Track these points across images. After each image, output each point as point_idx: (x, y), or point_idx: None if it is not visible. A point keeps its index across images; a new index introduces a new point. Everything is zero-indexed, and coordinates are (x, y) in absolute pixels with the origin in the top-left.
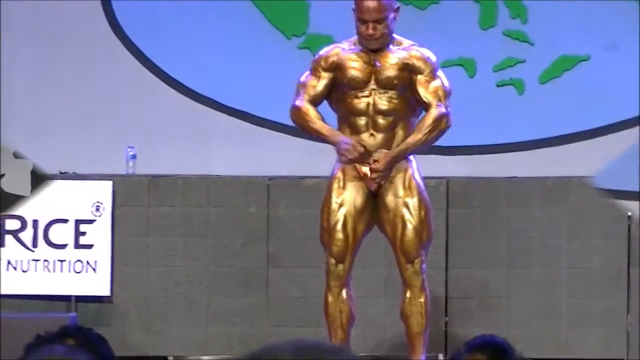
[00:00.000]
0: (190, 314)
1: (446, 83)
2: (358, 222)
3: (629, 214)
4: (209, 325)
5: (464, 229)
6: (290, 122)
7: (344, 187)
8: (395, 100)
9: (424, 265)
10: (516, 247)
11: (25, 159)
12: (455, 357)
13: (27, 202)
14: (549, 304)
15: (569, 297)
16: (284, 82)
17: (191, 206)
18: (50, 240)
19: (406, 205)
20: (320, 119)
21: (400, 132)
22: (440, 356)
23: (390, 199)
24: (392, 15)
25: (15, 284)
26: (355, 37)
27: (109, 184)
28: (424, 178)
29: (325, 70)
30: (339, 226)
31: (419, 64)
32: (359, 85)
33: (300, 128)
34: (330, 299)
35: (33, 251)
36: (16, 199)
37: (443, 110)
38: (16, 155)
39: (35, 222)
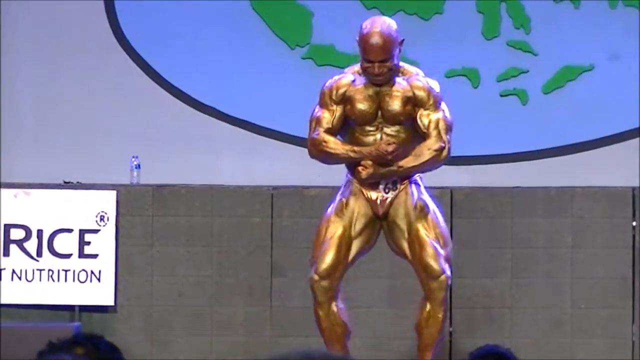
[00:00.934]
0: (194, 324)
1: (448, 116)
2: (354, 245)
3: (634, 223)
4: (212, 334)
5: (468, 239)
6: (293, 132)
7: (346, 209)
8: (402, 134)
9: (449, 281)
10: (520, 256)
11: None
12: None
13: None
14: (553, 313)
15: (573, 307)
16: (288, 92)
17: (195, 216)
18: (54, 250)
19: (419, 227)
20: (341, 143)
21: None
22: None
23: (402, 221)
24: (396, 51)
25: (20, 294)
26: (357, 65)
27: (113, 194)
28: (428, 187)
29: (336, 103)
30: (333, 246)
31: (421, 95)
32: (367, 120)
33: (322, 158)
34: (320, 313)
35: (37, 261)
36: None
37: (442, 143)
38: None
39: (39, 231)
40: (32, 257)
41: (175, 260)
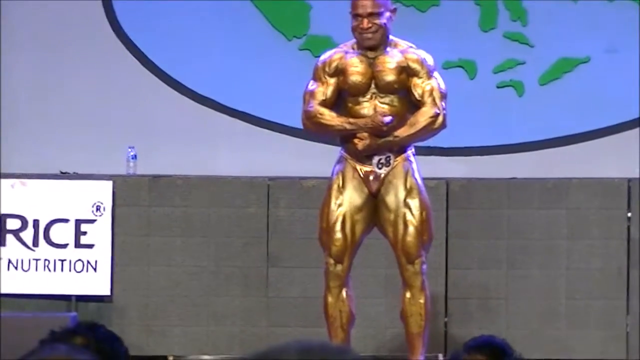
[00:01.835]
0: (191, 314)
1: (442, 84)
2: (357, 223)
3: (629, 214)
4: (209, 325)
5: (464, 230)
6: (290, 123)
7: (343, 188)
8: (395, 105)
9: (424, 266)
10: (516, 247)
11: None
12: (454, 358)
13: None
14: (549, 304)
15: (568, 298)
16: (285, 83)
17: (191, 206)
18: (51, 240)
19: (407, 206)
20: (336, 115)
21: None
22: (440, 356)
23: (391, 199)
24: (387, 13)
25: (16, 284)
26: (353, 41)
27: (109, 184)
28: (424, 179)
29: (330, 75)
30: (338, 227)
31: (414, 65)
32: (360, 90)
33: (317, 130)
34: (330, 299)
35: (34, 251)
36: None
37: (437, 110)
38: None
39: (35, 221)
40: (28, 247)
41: (171, 250)
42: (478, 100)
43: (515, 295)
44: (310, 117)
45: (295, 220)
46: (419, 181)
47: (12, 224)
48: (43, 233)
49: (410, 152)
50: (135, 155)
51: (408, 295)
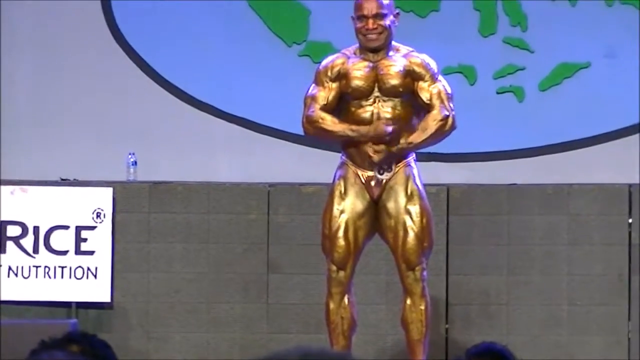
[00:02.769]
0: (191, 320)
1: (447, 87)
2: (359, 229)
3: (630, 220)
4: (209, 331)
5: (465, 236)
6: (290, 129)
7: (345, 194)
8: (398, 108)
9: (424, 273)
10: (516, 253)
11: None
12: None
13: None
14: (550, 310)
15: (569, 304)
16: (285, 89)
17: (192, 213)
18: (51, 247)
19: (408, 212)
20: (338, 122)
21: (403, 141)
22: None
23: (392, 205)
24: (391, 16)
25: (16, 290)
26: (355, 46)
27: (109, 191)
28: (425, 185)
29: (332, 80)
30: (341, 233)
31: (419, 69)
32: (363, 94)
33: (318, 135)
34: (331, 305)
35: (34, 257)
36: None
37: (446, 112)
38: None
39: (36, 228)
40: (28, 254)
41: (171, 257)
42: (478, 106)
43: (516, 301)
44: (311, 122)
45: (295, 226)
46: (420, 187)
47: (12, 230)
48: (43, 240)
49: (412, 157)
50: (136, 162)
51: (409, 302)
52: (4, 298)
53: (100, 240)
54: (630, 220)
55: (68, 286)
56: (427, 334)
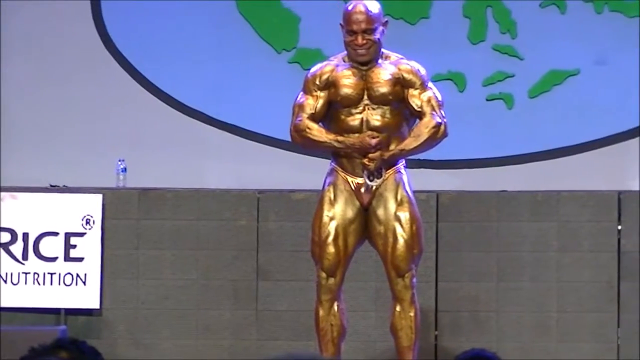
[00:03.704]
0: (180, 327)
1: (438, 94)
2: (349, 236)
3: (619, 227)
4: (198, 338)
5: (454, 243)
6: (280, 136)
7: (335, 201)
8: (388, 116)
9: (414, 280)
10: (506, 260)
11: None
12: None
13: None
14: (539, 317)
15: (559, 311)
16: (274, 95)
17: (181, 219)
18: (40, 253)
19: (398, 219)
20: (325, 132)
21: (393, 147)
22: None
23: (381, 212)
24: (380, 27)
25: (5, 297)
26: (344, 53)
27: (99, 197)
28: (415, 191)
29: (320, 88)
30: (330, 240)
31: (409, 77)
32: (353, 102)
33: (305, 145)
34: (321, 312)
35: (23, 264)
36: None
37: (438, 119)
38: None
39: (25, 235)
40: (17, 261)
41: (161, 263)
42: (468, 113)
43: (505, 308)
44: (298, 131)
45: (285, 233)
46: (410, 194)
47: (2, 237)
48: (32, 246)
49: (401, 164)
50: (125, 169)
51: (398, 308)
52: None
53: (90, 246)
54: (619, 227)
55: (57, 293)
56: (417, 341)
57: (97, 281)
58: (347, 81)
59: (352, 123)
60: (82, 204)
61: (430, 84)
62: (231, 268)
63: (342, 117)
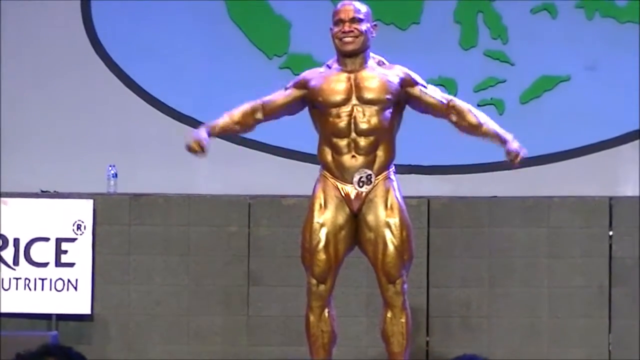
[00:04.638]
0: (171, 332)
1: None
2: (340, 242)
3: (610, 233)
4: (189, 343)
5: (445, 248)
6: (271, 141)
7: (325, 207)
8: (375, 119)
9: (405, 286)
10: (497, 266)
11: None
12: None
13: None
14: (531, 322)
15: (550, 316)
16: None
17: (172, 225)
18: (31, 259)
19: (388, 225)
20: (231, 114)
21: (380, 154)
22: None
23: (371, 218)
24: (369, 23)
25: None
26: (334, 58)
27: (90, 203)
28: (405, 197)
29: (298, 87)
30: (321, 246)
31: (404, 76)
32: (340, 101)
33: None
34: (312, 318)
35: (14, 269)
36: None
37: (446, 99)
38: None
39: (16, 240)
40: (8, 266)
41: (152, 269)
42: None
43: (496, 313)
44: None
45: (276, 238)
46: (400, 200)
47: None
48: (24, 252)
49: (391, 170)
50: (116, 174)
51: (389, 315)
52: None
53: (81, 252)
54: (610, 233)
55: (48, 298)
56: (408, 347)
57: (89, 287)
58: (335, 80)
59: (340, 125)
60: (73, 209)
61: (418, 78)
62: (222, 274)
63: (331, 119)
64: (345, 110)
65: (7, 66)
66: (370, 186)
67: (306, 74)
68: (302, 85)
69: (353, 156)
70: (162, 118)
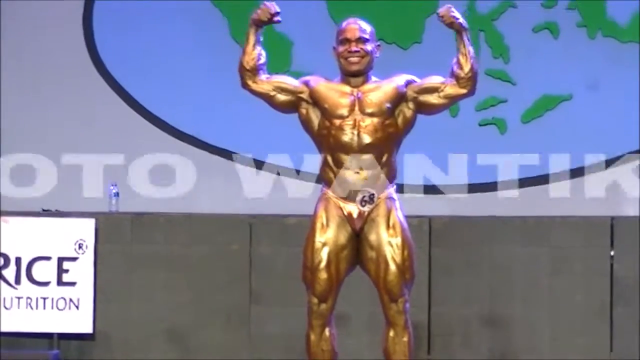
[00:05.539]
0: (173, 351)
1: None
2: (341, 262)
3: (612, 252)
4: None
5: (447, 267)
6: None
7: (327, 226)
8: (379, 133)
9: (407, 305)
10: (498, 285)
11: None
12: None
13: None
14: (532, 341)
15: (551, 334)
16: (267, 120)
17: (174, 244)
18: (33, 278)
19: (390, 245)
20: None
21: (383, 170)
22: None
23: (373, 237)
24: (373, 43)
25: None
26: (338, 78)
27: (91, 222)
28: (407, 217)
29: (305, 84)
30: (323, 265)
31: (410, 77)
32: (343, 113)
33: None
34: (312, 337)
35: (16, 288)
36: None
37: (444, 79)
38: None
39: (18, 259)
40: (10, 285)
41: (153, 288)
42: (460, 138)
43: (498, 331)
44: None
45: (277, 257)
46: (402, 219)
47: None
48: (25, 271)
49: (393, 189)
50: (118, 193)
51: (391, 333)
52: None
53: (82, 271)
54: (612, 253)
55: (50, 317)
56: None
57: (90, 305)
58: (338, 91)
59: (343, 138)
60: (75, 228)
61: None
62: (224, 292)
63: (334, 132)
64: (348, 122)
65: (8, 84)
66: (372, 205)
67: (311, 78)
68: (310, 85)
69: (356, 172)
70: (164, 137)
